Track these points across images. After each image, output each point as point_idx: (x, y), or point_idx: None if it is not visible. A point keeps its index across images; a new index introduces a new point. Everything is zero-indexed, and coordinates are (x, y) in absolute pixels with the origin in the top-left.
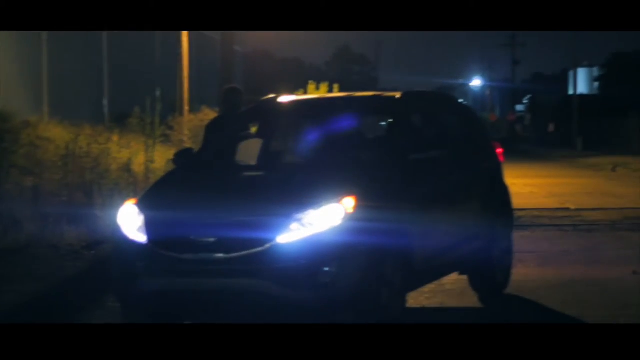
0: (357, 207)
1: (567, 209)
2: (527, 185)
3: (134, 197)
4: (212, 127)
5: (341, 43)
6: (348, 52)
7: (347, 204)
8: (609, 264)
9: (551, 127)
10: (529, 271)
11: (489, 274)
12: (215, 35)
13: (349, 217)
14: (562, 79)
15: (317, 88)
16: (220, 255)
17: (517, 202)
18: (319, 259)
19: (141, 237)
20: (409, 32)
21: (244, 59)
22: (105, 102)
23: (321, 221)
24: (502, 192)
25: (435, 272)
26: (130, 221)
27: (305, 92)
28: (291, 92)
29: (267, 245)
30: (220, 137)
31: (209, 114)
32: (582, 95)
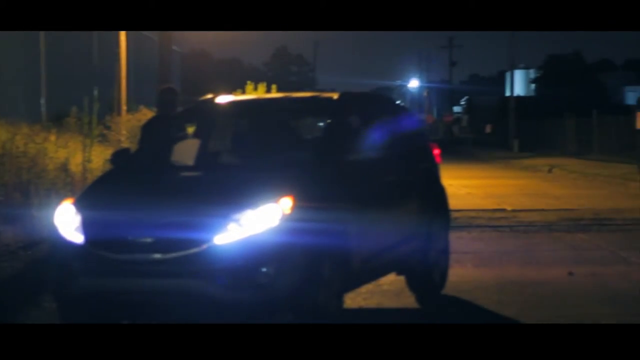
0: (295, 207)
1: (504, 210)
2: (464, 187)
3: (71, 197)
4: (148, 127)
5: (279, 44)
6: (286, 53)
7: (285, 205)
8: (545, 264)
9: (488, 129)
10: (466, 272)
11: (426, 274)
12: (154, 35)
13: (287, 218)
14: (499, 81)
15: (255, 89)
16: (158, 255)
17: (454, 203)
18: (256, 260)
19: (78, 238)
20: (346, 34)
21: (182, 59)
22: (42, 101)
23: (258, 222)
24: (439, 193)
25: (372, 272)
26: (67, 221)
27: (243, 93)
28: (229, 93)
29: (204, 246)
30: (157, 138)
31: (147, 114)
32: (518, 97)
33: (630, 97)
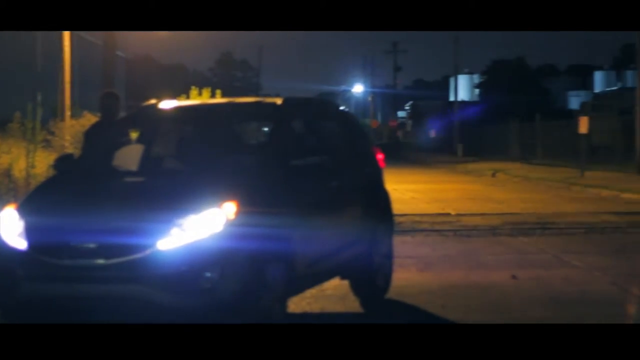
0: (238, 212)
1: (448, 214)
2: (408, 191)
3: (14, 202)
4: (91, 133)
5: (224, 49)
6: (231, 58)
7: (228, 209)
8: (489, 268)
9: (432, 133)
10: (410, 276)
11: (369, 278)
12: (98, 40)
13: (230, 223)
14: (443, 86)
15: (200, 94)
16: (101, 261)
17: (398, 207)
18: (200, 265)
19: (21, 243)
20: (291, 39)
21: (127, 65)
22: None
23: (202, 226)
24: (383, 198)
25: (316, 277)
26: (10, 227)
27: (188, 98)
28: (173, 98)
29: (148, 251)
30: (100, 143)
31: (91, 119)
32: (462, 102)
33: (574, 102)
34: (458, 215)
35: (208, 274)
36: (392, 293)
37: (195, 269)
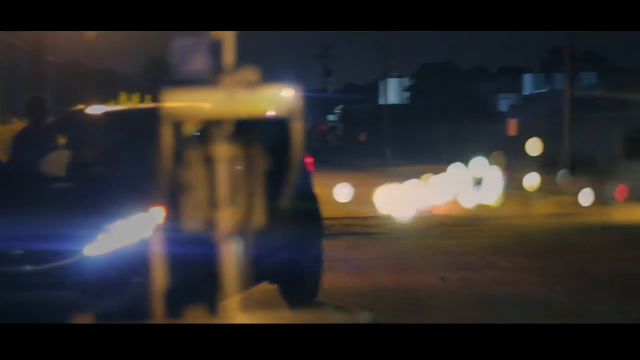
0: (166, 217)
1: (377, 217)
2: (338, 194)
3: None
4: (18, 138)
5: (154, 53)
6: (161, 62)
7: (156, 214)
8: (418, 270)
9: (362, 137)
10: (340, 279)
11: (298, 282)
12: (26, 45)
13: (158, 227)
14: (373, 90)
15: (129, 99)
16: (29, 267)
17: (328, 210)
18: (127, 270)
19: None
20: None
21: (56, 70)
22: None
23: (129, 232)
24: (312, 201)
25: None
26: None
27: (117, 103)
28: (102, 103)
29: (75, 257)
30: (27, 149)
31: (20, 125)
32: (392, 105)
33: (504, 104)
34: (387, 217)
35: (135, 279)
36: (321, 296)
37: (122, 274)
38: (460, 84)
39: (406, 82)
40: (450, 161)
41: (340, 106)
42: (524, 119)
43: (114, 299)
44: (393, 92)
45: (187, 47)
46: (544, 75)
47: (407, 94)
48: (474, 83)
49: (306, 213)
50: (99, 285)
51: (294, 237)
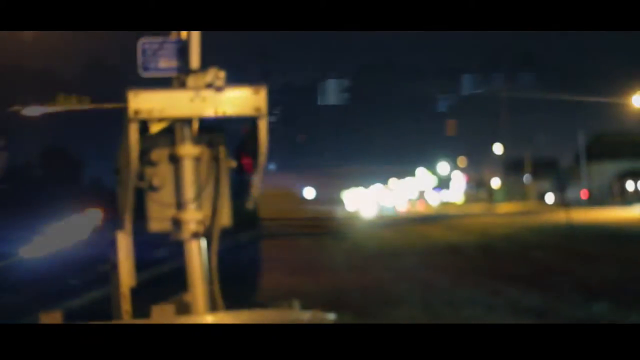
0: (104, 218)
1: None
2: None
3: None
4: None
5: (94, 54)
6: (101, 64)
7: (94, 216)
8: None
9: (301, 139)
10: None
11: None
12: None
13: (96, 229)
14: (312, 90)
15: (67, 101)
16: None
17: (269, 211)
18: (64, 272)
19: None
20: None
21: None
22: None
23: (66, 233)
24: (249, 203)
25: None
26: None
27: (54, 105)
28: (40, 105)
29: (10, 260)
30: None
31: None
32: (331, 106)
33: (442, 105)
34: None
35: (72, 281)
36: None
37: (59, 276)
38: (399, 84)
39: (346, 83)
40: (389, 163)
41: (279, 107)
42: (462, 120)
43: (53, 300)
44: (332, 92)
45: (149, 46)
46: (482, 75)
47: (347, 94)
48: (412, 83)
49: (242, 214)
50: (36, 287)
51: (231, 238)
